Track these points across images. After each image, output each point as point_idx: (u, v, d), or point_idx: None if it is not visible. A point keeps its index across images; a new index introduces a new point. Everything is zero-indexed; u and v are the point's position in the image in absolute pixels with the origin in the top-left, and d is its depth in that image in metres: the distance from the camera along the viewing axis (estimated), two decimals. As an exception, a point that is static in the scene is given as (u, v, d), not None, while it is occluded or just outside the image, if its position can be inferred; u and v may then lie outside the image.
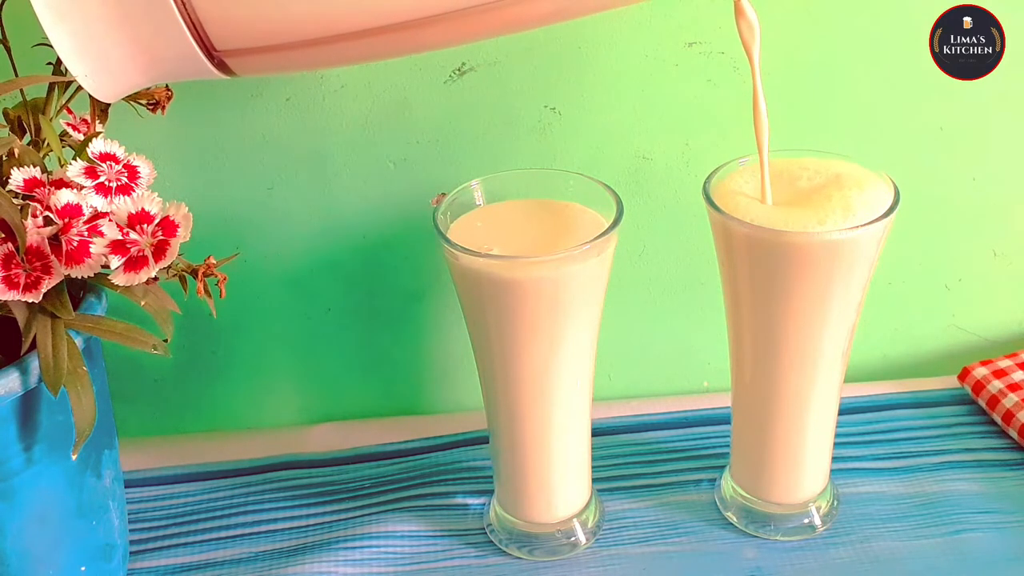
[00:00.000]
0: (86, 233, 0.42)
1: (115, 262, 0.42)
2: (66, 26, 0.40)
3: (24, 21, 0.45)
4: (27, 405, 0.46)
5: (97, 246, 0.42)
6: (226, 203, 0.64)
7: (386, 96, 0.61)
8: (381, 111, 0.62)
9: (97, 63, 0.42)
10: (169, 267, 0.44)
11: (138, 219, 0.43)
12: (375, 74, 0.61)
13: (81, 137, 0.48)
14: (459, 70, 0.61)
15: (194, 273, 0.45)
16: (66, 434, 0.47)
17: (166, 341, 0.47)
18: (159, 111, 0.50)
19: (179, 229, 0.43)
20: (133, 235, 0.43)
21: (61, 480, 0.49)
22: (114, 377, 0.55)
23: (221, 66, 0.43)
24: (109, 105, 0.48)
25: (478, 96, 0.62)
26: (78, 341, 0.46)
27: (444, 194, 0.54)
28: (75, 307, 0.45)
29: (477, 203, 0.55)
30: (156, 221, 0.43)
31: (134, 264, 0.43)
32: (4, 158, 0.45)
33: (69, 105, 0.49)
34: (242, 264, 0.49)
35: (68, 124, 0.49)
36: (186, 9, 0.40)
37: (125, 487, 0.56)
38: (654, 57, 0.61)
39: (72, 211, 0.42)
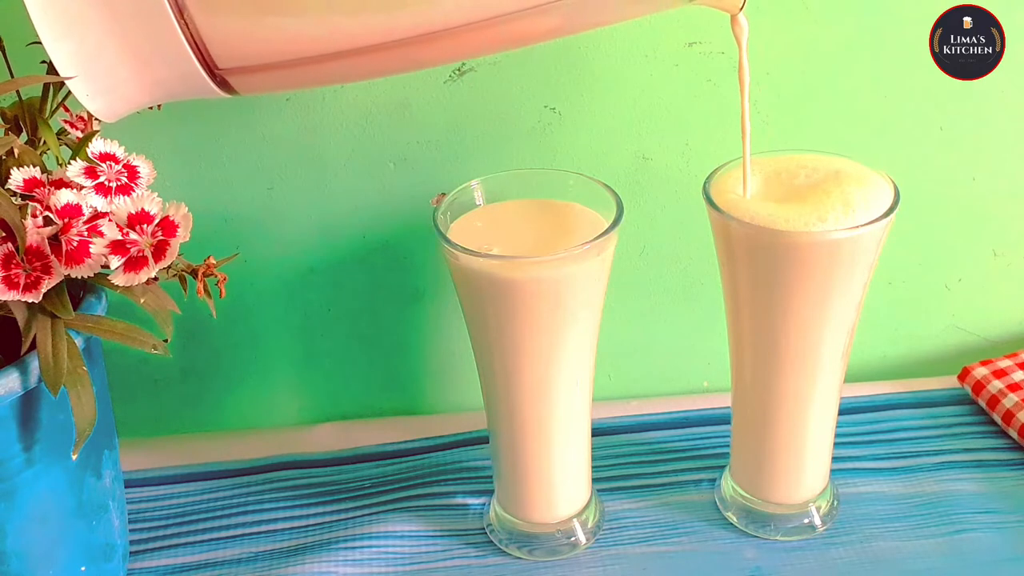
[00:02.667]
0: (86, 233, 0.42)
1: (115, 262, 0.42)
2: (68, 45, 0.40)
3: (18, 20, 0.45)
4: (27, 405, 0.46)
5: (97, 246, 0.42)
6: (226, 203, 0.64)
7: (386, 96, 0.61)
8: (381, 111, 0.62)
9: (99, 82, 0.42)
10: (169, 267, 0.44)
11: (138, 219, 0.43)
12: (375, 74, 0.61)
13: (80, 135, 0.48)
14: (459, 70, 0.61)
15: (194, 273, 0.45)
16: (66, 434, 0.47)
17: (166, 341, 0.47)
18: (155, 107, 0.49)
19: (179, 229, 0.43)
20: (133, 235, 0.43)
21: (61, 480, 0.49)
22: (114, 377, 0.55)
23: (223, 84, 0.43)
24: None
25: (478, 96, 0.62)
26: (78, 341, 0.46)
27: (444, 194, 0.54)
28: (75, 307, 0.45)
29: (477, 203, 0.55)
30: (156, 221, 0.43)
31: (134, 264, 0.42)
32: (3, 158, 0.45)
33: (65, 103, 0.49)
34: (242, 264, 0.49)
35: (66, 122, 0.49)
36: (188, 28, 0.40)
37: (125, 487, 0.56)
38: (654, 57, 0.61)
39: (72, 211, 0.42)
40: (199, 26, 0.40)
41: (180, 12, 0.40)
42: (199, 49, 0.41)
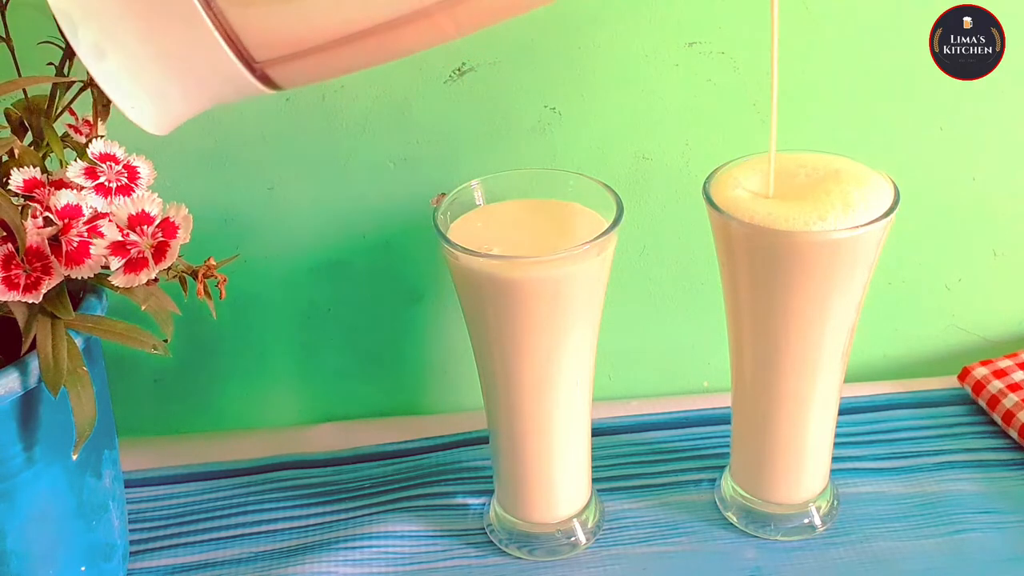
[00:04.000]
0: (86, 234, 0.42)
1: (115, 263, 0.42)
2: (109, 65, 0.40)
3: (27, 19, 0.45)
4: (27, 405, 0.46)
5: (97, 247, 0.42)
6: (226, 203, 0.64)
7: (386, 96, 0.61)
8: (381, 111, 0.62)
9: (141, 94, 0.42)
10: (169, 268, 0.44)
11: (138, 220, 0.43)
12: (375, 74, 0.61)
13: (83, 140, 0.48)
14: (459, 70, 0.61)
15: (194, 275, 0.45)
16: (66, 434, 0.47)
17: (166, 341, 0.47)
18: None
19: (179, 231, 0.43)
20: (133, 236, 0.43)
21: (61, 480, 0.49)
22: (114, 377, 0.55)
23: (264, 80, 0.42)
24: (110, 103, 0.48)
25: (478, 96, 0.62)
26: (78, 341, 0.46)
27: (444, 194, 0.54)
28: (75, 307, 0.45)
29: (477, 203, 0.55)
30: (156, 222, 0.43)
31: (134, 265, 0.42)
32: (4, 158, 0.45)
33: (72, 106, 0.49)
34: (242, 264, 0.49)
35: (70, 126, 0.49)
36: (220, 23, 0.40)
37: (125, 487, 0.56)
38: (654, 57, 0.61)
39: (72, 212, 0.42)
40: (230, 20, 0.40)
41: (209, 6, 0.40)
42: (234, 44, 0.40)
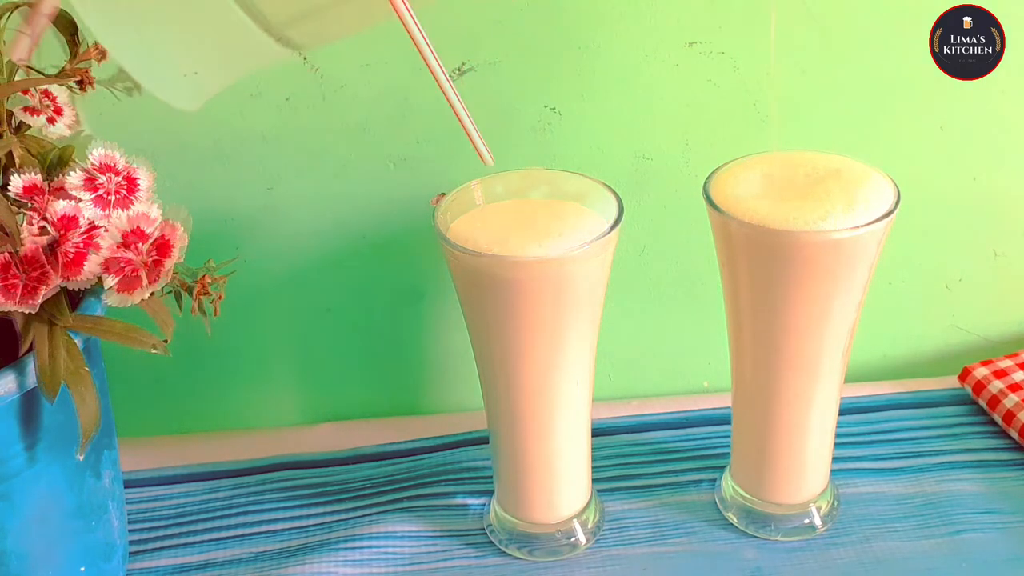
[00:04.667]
0: (82, 244, 0.42)
1: (109, 281, 0.42)
2: (132, 47, 0.40)
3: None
4: (27, 406, 0.46)
5: (93, 258, 0.42)
6: (226, 203, 0.64)
7: (386, 96, 0.61)
8: (381, 111, 0.62)
9: (170, 75, 0.42)
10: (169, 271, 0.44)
11: (135, 232, 0.43)
12: (375, 74, 0.61)
13: (42, 122, 0.46)
14: (459, 70, 0.61)
15: (189, 290, 0.45)
16: (66, 434, 0.47)
17: (166, 341, 0.47)
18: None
19: (177, 232, 0.43)
20: (132, 238, 0.43)
21: (61, 480, 0.49)
22: (114, 377, 0.55)
23: (283, 41, 0.42)
24: (91, 85, 0.47)
25: (478, 96, 0.61)
26: (77, 341, 0.45)
27: (444, 194, 0.54)
28: (74, 306, 0.45)
29: (477, 203, 0.54)
30: (156, 224, 0.43)
31: (130, 276, 0.42)
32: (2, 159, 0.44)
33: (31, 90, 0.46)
34: (242, 264, 0.49)
35: (26, 109, 0.45)
36: None
37: (125, 487, 0.56)
38: (654, 57, 0.61)
39: (69, 221, 0.42)
40: None
41: None
42: (248, 9, 0.40)
